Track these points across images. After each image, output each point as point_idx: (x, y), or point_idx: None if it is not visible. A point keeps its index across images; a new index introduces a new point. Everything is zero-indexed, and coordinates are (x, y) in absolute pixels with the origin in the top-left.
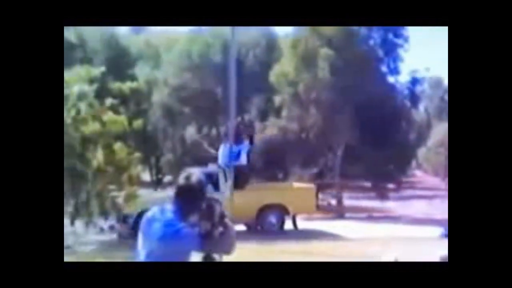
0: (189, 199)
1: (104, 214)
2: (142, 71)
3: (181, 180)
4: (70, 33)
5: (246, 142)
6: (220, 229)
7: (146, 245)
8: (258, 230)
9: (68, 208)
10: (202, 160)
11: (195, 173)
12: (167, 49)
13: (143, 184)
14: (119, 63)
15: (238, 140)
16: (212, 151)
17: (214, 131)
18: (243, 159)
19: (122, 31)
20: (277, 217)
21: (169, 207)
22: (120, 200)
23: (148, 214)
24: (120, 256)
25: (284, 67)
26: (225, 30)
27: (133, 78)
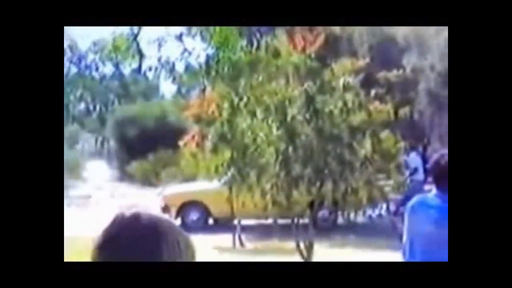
0: (447, 179)
1: (372, 202)
2: (408, 58)
3: (436, 162)
4: (336, 26)
5: None
6: None
7: (415, 229)
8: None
9: (338, 196)
10: None
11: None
12: (434, 35)
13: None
14: (385, 52)
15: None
16: None
17: None
18: None
19: None
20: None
21: (435, 192)
22: (388, 189)
23: (417, 199)
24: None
25: None
26: None
27: (399, 66)
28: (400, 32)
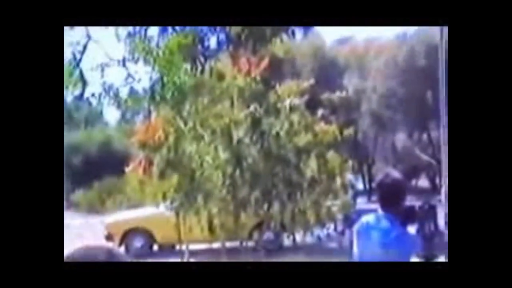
0: (391, 198)
1: (320, 222)
2: (350, 80)
3: (379, 180)
4: (279, 49)
5: None
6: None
7: (365, 252)
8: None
9: (286, 217)
10: (414, 167)
11: (393, 172)
12: (374, 57)
13: (358, 193)
14: (328, 74)
15: None
16: (425, 157)
17: (425, 136)
18: None
19: (328, 43)
20: None
21: (381, 212)
22: (335, 209)
23: (363, 221)
24: None
25: None
26: (432, 32)
27: (342, 88)
28: (341, 55)
